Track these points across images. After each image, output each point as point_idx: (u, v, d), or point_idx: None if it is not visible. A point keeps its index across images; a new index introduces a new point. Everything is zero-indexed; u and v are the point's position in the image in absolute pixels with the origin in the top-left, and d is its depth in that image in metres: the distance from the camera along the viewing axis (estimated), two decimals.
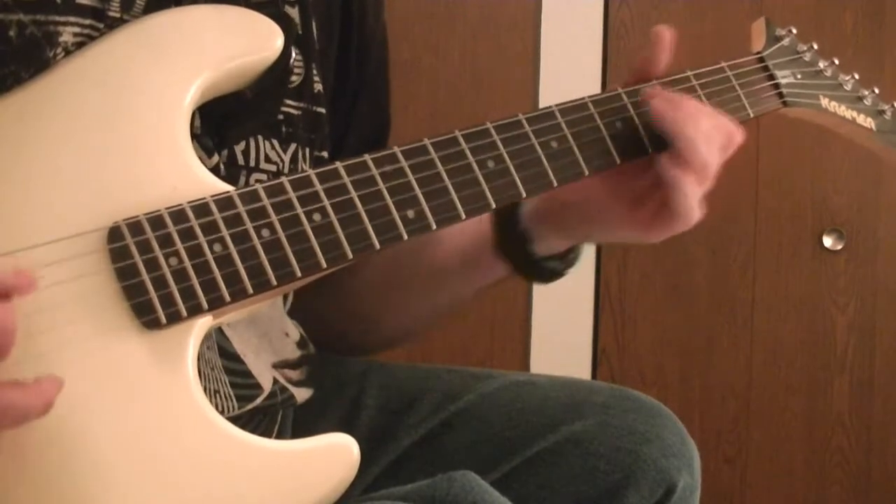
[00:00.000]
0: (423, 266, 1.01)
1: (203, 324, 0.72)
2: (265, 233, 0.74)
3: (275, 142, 0.89)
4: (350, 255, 0.76)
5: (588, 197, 0.92)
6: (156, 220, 0.72)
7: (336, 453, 0.74)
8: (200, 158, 0.78)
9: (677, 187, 0.87)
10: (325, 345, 1.02)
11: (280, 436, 0.94)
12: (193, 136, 0.79)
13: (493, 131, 0.84)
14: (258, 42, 0.80)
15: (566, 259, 0.98)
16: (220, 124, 0.85)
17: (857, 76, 1.05)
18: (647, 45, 0.93)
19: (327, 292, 0.97)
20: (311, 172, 0.76)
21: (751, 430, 2.32)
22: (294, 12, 0.90)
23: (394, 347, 1.09)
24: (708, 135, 0.88)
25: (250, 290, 0.72)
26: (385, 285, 1.03)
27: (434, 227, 0.79)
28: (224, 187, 0.75)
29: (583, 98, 0.89)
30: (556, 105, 0.87)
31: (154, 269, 0.70)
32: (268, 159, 0.88)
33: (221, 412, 0.77)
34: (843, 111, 1.02)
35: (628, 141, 0.89)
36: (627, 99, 0.90)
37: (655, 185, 0.89)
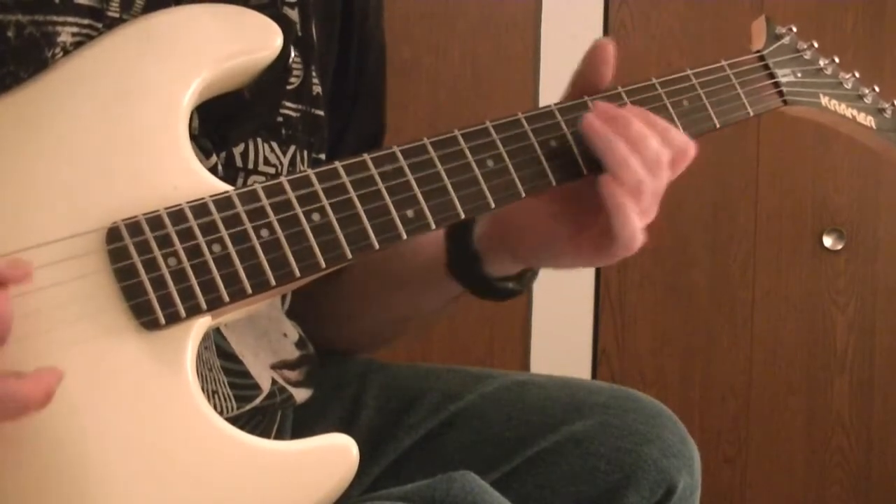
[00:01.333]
0: (386, 280, 1.00)
1: (202, 324, 0.72)
2: (264, 233, 0.74)
3: (274, 144, 0.89)
4: (349, 255, 0.75)
5: (534, 221, 0.90)
6: (154, 221, 0.71)
7: (335, 454, 0.74)
8: (198, 160, 0.78)
9: (614, 209, 0.83)
10: (320, 345, 1.02)
11: (279, 436, 0.94)
12: (191, 136, 0.78)
13: (492, 130, 0.83)
14: (257, 41, 0.80)
15: (522, 279, 0.96)
16: (218, 126, 0.85)
17: (857, 74, 1.05)
18: (587, 58, 0.90)
19: (319, 294, 0.97)
20: (310, 172, 0.76)
21: (751, 430, 2.32)
22: (294, 14, 0.90)
23: (368, 351, 1.09)
24: (644, 151, 0.84)
25: (249, 291, 0.72)
26: (358, 292, 1.02)
27: (433, 226, 0.79)
28: (223, 187, 0.75)
29: (584, 98, 0.89)
30: (556, 104, 0.87)
31: (153, 270, 0.70)
32: (266, 161, 0.88)
33: (220, 412, 0.77)
34: (844, 109, 1.02)
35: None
36: (560, 116, 0.87)
37: (598, 211, 0.85)
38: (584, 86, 0.90)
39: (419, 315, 1.04)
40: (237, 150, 0.86)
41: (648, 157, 0.84)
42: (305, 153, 0.92)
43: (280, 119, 0.89)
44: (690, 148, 0.87)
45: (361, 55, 1.01)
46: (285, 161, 0.89)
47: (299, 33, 0.90)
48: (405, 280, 1.00)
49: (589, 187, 0.85)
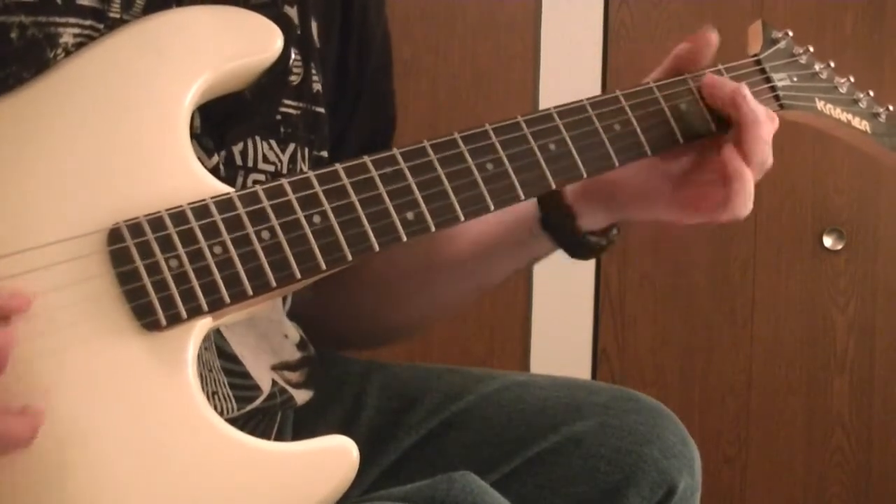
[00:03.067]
0: (468, 245, 1.01)
1: (203, 325, 0.72)
2: (265, 235, 0.74)
3: (273, 142, 0.89)
4: (350, 258, 0.76)
5: (633, 175, 0.93)
6: (156, 222, 0.72)
7: (335, 455, 0.74)
8: (200, 159, 0.78)
9: (742, 182, 0.88)
10: (330, 341, 1.02)
11: (280, 437, 0.94)
12: (193, 136, 0.79)
13: (491, 133, 0.84)
14: (258, 43, 0.80)
15: (608, 234, 0.99)
16: (219, 125, 0.85)
17: (852, 79, 1.05)
18: (690, 40, 0.95)
19: (365, 278, 0.97)
20: (311, 174, 0.76)
21: (751, 430, 2.32)
22: (293, 12, 0.90)
23: (430, 327, 1.09)
24: (769, 132, 0.90)
25: (250, 293, 0.72)
26: (425, 271, 1.02)
27: (433, 229, 0.79)
28: (224, 188, 0.75)
29: (581, 101, 0.89)
30: (555, 107, 0.88)
31: (154, 271, 0.70)
32: (266, 159, 0.88)
33: (220, 413, 0.77)
34: (839, 114, 1.02)
35: (630, 143, 0.90)
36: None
37: (698, 168, 0.92)
38: (681, 63, 0.96)
39: (498, 279, 1.05)
40: (236, 149, 0.86)
41: (770, 136, 0.92)
42: (306, 150, 0.92)
43: (279, 117, 0.89)
44: (776, 120, 0.93)
45: (362, 53, 1.00)
46: (285, 159, 0.90)
47: (299, 32, 0.90)
48: (489, 245, 1.00)
49: (691, 148, 0.92)
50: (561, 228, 0.97)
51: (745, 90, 0.91)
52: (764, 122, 0.90)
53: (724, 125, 0.92)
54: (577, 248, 0.98)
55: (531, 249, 1.00)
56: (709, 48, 0.95)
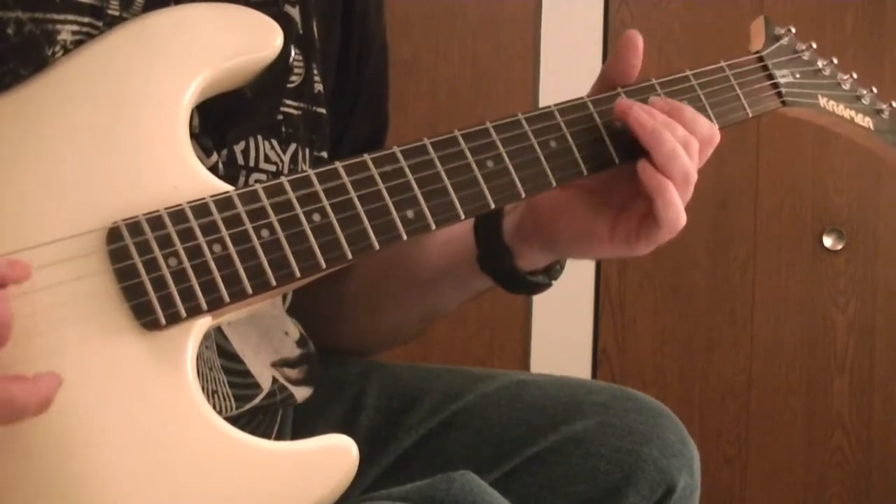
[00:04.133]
0: (411, 276, 1.01)
1: (202, 324, 0.72)
2: (265, 233, 0.74)
3: (274, 142, 0.89)
4: (350, 256, 0.76)
5: (570, 211, 0.91)
6: (155, 221, 0.71)
7: (335, 454, 0.74)
8: (199, 158, 0.78)
9: (661, 196, 0.85)
10: (323, 344, 1.02)
11: (280, 436, 0.94)
12: (192, 135, 0.78)
13: (492, 131, 0.83)
14: (258, 40, 0.80)
15: (551, 272, 0.97)
16: (219, 124, 0.85)
17: (855, 75, 1.05)
18: (617, 51, 0.91)
19: (323, 295, 0.97)
20: (311, 172, 0.76)
21: (751, 430, 2.32)
22: (294, 12, 0.90)
23: (382, 351, 1.09)
24: (686, 140, 0.86)
25: (250, 291, 0.72)
26: (374, 292, 1.03)
27: (433, 227, 0.79)
28: (223, 187, 0.75)
29: (582, 98, 0.89)
30: (556, 105, 0.87)
31: (153, 270, 0.70)
32: (267, 159, 0.88)
33: (220, 412, 0.77)
34: (842, 111, 1.02)
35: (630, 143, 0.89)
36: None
37: (635, 197, 0.88)
38: (615, 77, 0.91)
39: (442, 311, 1.04)
40: (238, 149, 0.86)
41: (690, 145, 0.87)
42: (307, 151, 0.92)
43: (280, 117, 0.89)
44: (715, 134, 0.90)
45: (362, 54, 1.01)
46: (286, 159, 0.89)
47: (300, 31, 0.90)
48: (432, 278, 1.00)
49: (623, 176, 0.87)
50: (499, 268, 0.96)
51: (650, 110, 0.87)
52: (667, 138, 0.85)
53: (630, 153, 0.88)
54: (517, 286, 0.97)
55: (473, 284, 0.99)
56: (632, 50, 0.90)
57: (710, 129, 0.89)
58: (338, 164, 0.77)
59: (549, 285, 0.98)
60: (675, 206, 0.85)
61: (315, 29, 0.93)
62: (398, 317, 1.05)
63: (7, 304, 0.64)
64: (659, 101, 0.89)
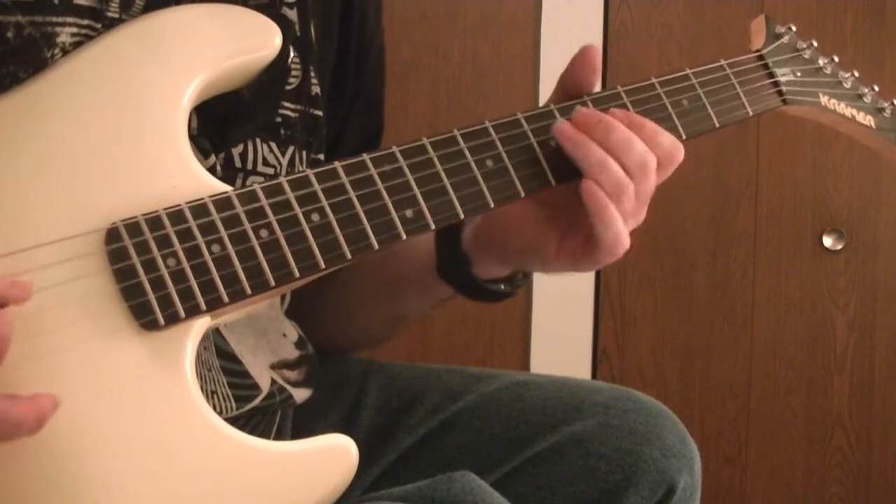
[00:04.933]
0: (377, 280, 1.00)
1: (201, 324, 0.72)
2: (263, 233, 0.73)
3: (273, 144, 0.89)
4: (349, 256, 0.75)
5: (521, 224, 0.90)
6: (154, 221, 0.71)
7: (335, 455, 0.74)
8: (197, 160, 0.78)
9: (599, 216, 0.82)
10: (314, 343, 1.02)
11: (279, 436, 0.94)
12: (190, 137, 0.78)
13: (491, 130, 0.83)
14: (256, 41, 0.80)
15: (513, 281, 0.96)
16: (218, 126, 0.85)
17: (856, 74, 1.04)
18: (574, 63, 0.89)
19: (313, 295, 0.97)
20: (310, 172, 0.76)
21: (751, 430, 2.32)
22: (293, 14, 0.90)
23: (352, 352, 1.09)
24: (628, 154, 0.83)
25: (248, 291, 0.72)
26: (344, 294, 1.03)
27: (433, 226, 0.79)
28: (222, 187, 0.75)
29: (581, 98, 0.89)
30: (555, 104, 0.87)
31: (152, 271, 0.70)
32: (265, 162, 0.88)
33: (219, 413, 0.77)
34: (843, 109, 1.02)
35: None
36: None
37: (584, 215, 0.85)
38: (571, 90, 0.89)
39: (410, 316, 1.04)
40: (236, 151, 0.86)
41: (633, 160, 0.83)
42: (304, 153, 0.92)
43: (279, 119, 0.89)
44: (678, 151, 0.87)
45: (360, 57, 1.00)
46: (284, 161, 0.89)
47: (298, 33, 0.90)
48: (397, 282, 1.00)
49: (576, 193, 0.85)
50: (456, 276, 0.95)
51: (604, 132, 0.84)
52: (601, 160, 0.83)
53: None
54: (475, 294, 0.96)
55: (435, 291, 0.98)
56: (593, 73, 0.88)
57: (673, 145, 0.86)
58: (337, 164, 0.77)
59: (510, 294, 0.97)
60: (615, 228, 0.83)
61: (313, 31, 0.92)
62: (367, 320, 1.05)
63: (8, 321, 0.64)
64: (619, 113, 0.86)
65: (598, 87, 0.89)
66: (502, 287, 0.96)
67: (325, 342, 1.04)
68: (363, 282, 1.01)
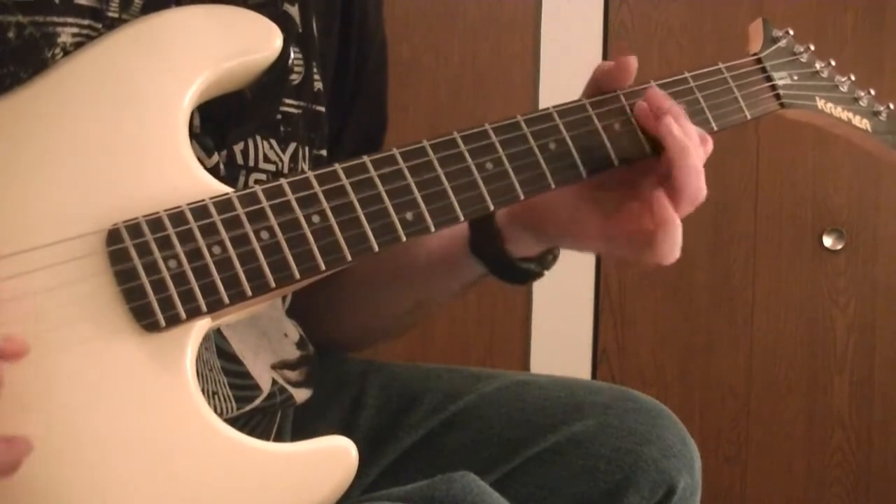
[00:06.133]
0: (405, 263, 1.00)
1: (202, 326, 0.72)
2: (264, 235, 0.74)
3: (273, 141, 0.89)
4: (349, 258, 0.76)
5: (564, 202, 0.90)
6: (155, 223, 0.71)
7: (334, 456, 0.74)
8: (200, 158, 0.78)
9: (666, 231, 0.84)
10: (320, 343, 1.02)
11: (279, 437, 0.94)
12: (193, 135, 0.79)
13: (491, 133, 0.83)
14: (257, 41, 0.80)
15: (543, 261, 0.97)
16: (220, 124, 0.85)
17: (853, 77, 1.05)
18: (615, 63, 0.90)
19: (321, 291, 0.97)
20: (311, 174, 0.76)
21: (751, 430, 2.32)
22: (294, 10, 0.90)
23: (375, 345, 1.09)
24: (700, 159, 0.85)
25: (249, 293, 0.72)
26: (370, 282, 1.02)
27: (433, 229, 0.79)
28: (223, 189, 0.75)
29: (581, 100, 0.89)
30: (555, 106, 0.87)
31: (153, 272, 0.70)
32: (266, 159, 0.88)
33: (220, 413, 0.77)
34: (839, 112, 1.02)
35: (629, 145, 0.88)
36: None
37: (631, 197, 0.87)
38: (604, 87, 0.90)
39: (436, 299, 1.03)
40: (237, 149, 0.86)
41: (701, 165, 0.85)
42: (306, 150, 0.92)
43: (280, 116, 0.89)
44: (707, 142, 0.88)
45: (361, 53, 1.00)
46: (285, 158, 0.89)
47: (300, 30, 0.90)
48: (427, 262, 0.99)
49: (619, 176, 0.87)
50: (489, 252, 0.95)
51: (679, 114, 0.87)
52: (694, 151, 0.85)
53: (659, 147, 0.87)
54: (506, 272, 0.96)
55: (465, 271, 0.98)
56: (626, 75, 0.89)
57: (704, 138, 0.88)
58: (337, 166, 0.77)
59: (540, 274, 0.97)
60: (673, 242, 0.84)
61: (314, 27, 0.93)
62: (395, 306, 1.04)
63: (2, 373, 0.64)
64: (665, 100, 0.88)
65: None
66: (532, 266, 0.96)
67: (336, 339, 1.04)
68: (390, 267, 1.00)
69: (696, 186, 0.84)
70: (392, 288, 1.03)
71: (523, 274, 0.96)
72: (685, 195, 0.84)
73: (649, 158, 0.88)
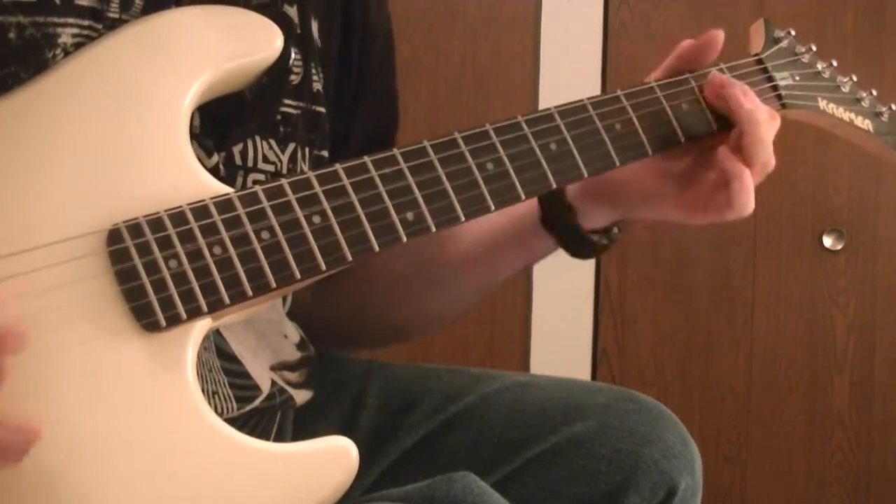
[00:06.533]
0: (472, 241, 1.00)
1: (202, 326, 0.72)
2: (265, 235, 0.74)
3: (272, 142, 0.89)
4: (349, 258, 0.76)
5: (636, 175, 0.93)
6: (155, 223, 0.71)
7: (335, 456, 0.74)
8: (199, 159, 0.78)
9: (741, 181, 0.89)
10: (334, 340, 1.02)
11: (279, 437, 0.94)
12: (193, 136, 0.78)
13: (492, 133, 0.83)
14: (258, 42, 0.80)
15: (609, 233, 0.98)
16: (220, 125, 0.85)
17: (854, 78, 1.05)
18: (702, 39, 0.94)
19: (342, 284, 0.97)
20: (311, 174, 0.76)
21: (751, 430, 2.32)
22: (293, 11, 0.90)
23: (435, 330, 1.09)
24: (770, 133, 0.91)
25: (250, 293, 0.72)
26: (430, 266, 1.02)
27: (433, 229, 0.79)
28: (223, 189, 0.75)
29: (581, 100, 0.89)
30: (556, 107, 0.87)
31: (153, 272, 0.70)
32: (265, 159, 0.88)
33: (220, 413, 0.77)
34: (841, 113, 1.02)
35: (632, 142, 0.89)
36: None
37: (701, 167, 0.92)
38: (685, 64, 0.95)
39: (499, 279, 1.04)
40: (236, 149, 0.86)
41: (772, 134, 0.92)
42: (306, 150, 0.92)
43: (279, 117, 0.89)
44: (778, 119, 0.94)
45: (363, 52, 1.00)
46: (284, 158, 0.89)
47: (299, 31, 0.90)
48: (492, 242, 1.00)
49: (699, 149, 0.92)
50: (562, 227, 0.97)
51: (747, 90, 0.91)
52: (764, 123, 0.90)
53: (725, 124, 0.92)
54: (579, 246, 0.98)
55: (532, 248, 1.00)
56: (713, 48, 0.94)
57: (773, 114, 0.94)
58: (338, 166, 0.77)
59: (608, 247, 0.98)
60: (750, 191, 0.89)
61: (314, 27, 0.92)
62: (456, 290, 1.05)
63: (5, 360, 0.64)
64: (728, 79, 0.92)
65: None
66: (600, 238, 0.97)
67: (400, 327, 1.06)
68: (453, 249, 1.01)
69: (767, 154, 0.89)
70: (457, 273, 1.03)
71: (592, 246, 0.98)
72: (755, 164, 0.89)
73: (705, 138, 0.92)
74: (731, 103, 0.90)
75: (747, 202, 0.89)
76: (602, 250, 0.98)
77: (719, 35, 0.93)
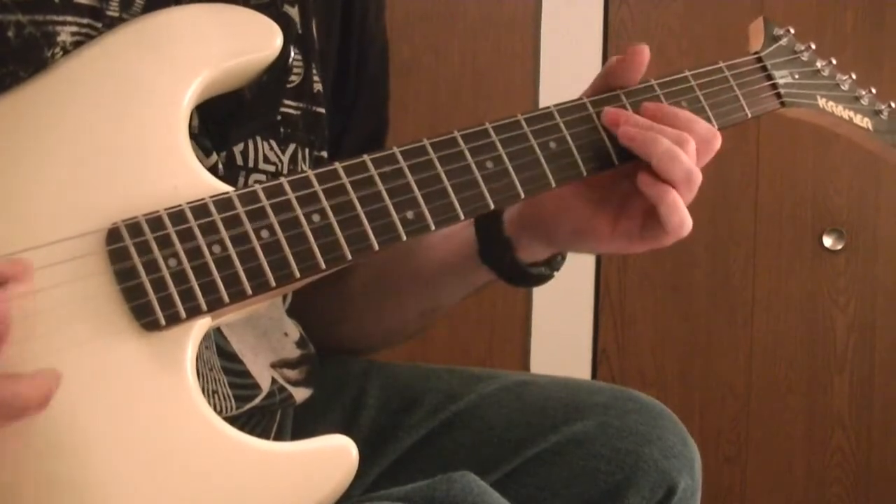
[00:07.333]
0: (412, 271, 1.00)
1: (202, 325, 0.72)
2: (264, 234, 0.73)
3: (273, 142, 0.89)
4: (349, 257, 0.75)
5: (569, 207, 0.91)
6: (155, 221, 0.71)
7: (334, 455, 0.74)
8: (198, 158, 0.78)
9: (664, 202, 0.85)
10: (321, 344, 1.02)
11: (279, 436, 0.94)
12: (191, 136, 0.78)
13: (491, 132, 0.83)
14: (257, 41, 0.80)
15: (552, 263, 0.97)
16: (219, 125, 0.85)
17: (854, 76, 1.05)
18: (626, 60, 0.90)
19: (322, 294, 0.97)
20: (311, 173, 0.76)
21: (751, 430, 2.32)
22: (294, 12, 0.90)
23: (378, 350, 1.09)
24: (679, 139, 0.85)
25: (249, 292, 0.72)
26: (377, 289, 1.03)
27: (433, 228, 0.79)
28: (223, 188, 0.75)
29: (581, 98, 0.89)
30: (555, 105, 0.87)
31: (153, 271, 0.70)
32: (266, 160, 0.88)
33: (220, 412, 0.77)
34: (841, 111, 1.02)
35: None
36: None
37: (633, 194, 0.88)
38: (614, 83, 0.90)
39: (444, 306, 1.04)
40: (237, 149, 0.86)
41: (688, 150, 0.86)
42: (306, 151, 0.92)
43: (279, 117, 0.89)
44: (716, 137, 0.89)
45: (362, 53, 1.00)
46: (285, 159, 0.89)
47: (299, 31, 0.90)
48: (435, 271, 0.99)
49: (624, 173, 0.87)
50: (500, 260, 0.95)
51: (651, 109, 0.88)
52: (666, 145, 0.85)
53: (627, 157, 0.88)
54: (518, 278, 0.96)
55: (474, 278, 0.98)
56: (637, 64, 0.90)
57: (709, 131, 0.88)
58: (337, 165, 0.77)
59: (550, 277, 0.97)
60: (679, 211, 0.85)
61: (314, 29, 0.93)
62: (400, 314, 1.05)
63: (7, 300, 0.64)
64: (651, 106, 0.88)
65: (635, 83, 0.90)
66: (542, 270, 0.96)
67: (353, 341, 1.04)
68: (397, 275, 1.01)
69: (684, 170, 0.85)
70: (399, 297, 1.03)
71: (534, 278, 0.96)
72: (677, 182, 0.85)
73: None
74: (624, 141, 0.86)
75: (680, 223, 0.85)
76: (544, 280, 0.97)
77: (642, 50, 0.90)
